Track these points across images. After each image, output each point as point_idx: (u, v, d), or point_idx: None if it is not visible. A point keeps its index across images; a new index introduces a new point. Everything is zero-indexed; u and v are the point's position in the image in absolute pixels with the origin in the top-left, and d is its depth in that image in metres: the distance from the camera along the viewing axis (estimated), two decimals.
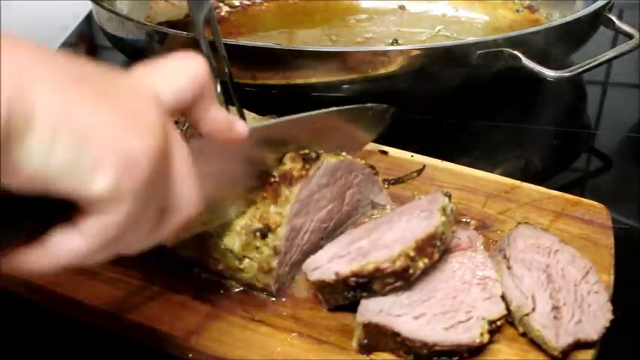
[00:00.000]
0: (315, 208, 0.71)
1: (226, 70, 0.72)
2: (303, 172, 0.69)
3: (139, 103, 0.46)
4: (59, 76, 0.41)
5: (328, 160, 0.71)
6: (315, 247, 0.71)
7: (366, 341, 0.63)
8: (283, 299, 0.69)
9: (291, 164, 0.70)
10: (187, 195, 0.49)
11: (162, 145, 0.45)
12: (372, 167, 0.77)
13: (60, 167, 0.40)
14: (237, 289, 0.70)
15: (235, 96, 0.73)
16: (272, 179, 0.69)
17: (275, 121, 0.71)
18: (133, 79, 0.48)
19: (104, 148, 0.41)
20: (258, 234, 0.67)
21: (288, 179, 0.68)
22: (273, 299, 0.69)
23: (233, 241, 0.68)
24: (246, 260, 0.68)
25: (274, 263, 0.67)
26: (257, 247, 0.67)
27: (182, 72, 0.51)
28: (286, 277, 0.70)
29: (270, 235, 0.67)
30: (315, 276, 0.66)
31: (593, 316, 0.65)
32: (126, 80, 0.47)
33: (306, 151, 0.71)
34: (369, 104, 0.82)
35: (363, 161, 0.76)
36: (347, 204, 0.75)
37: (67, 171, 0.40)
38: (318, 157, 0.70)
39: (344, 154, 0.74)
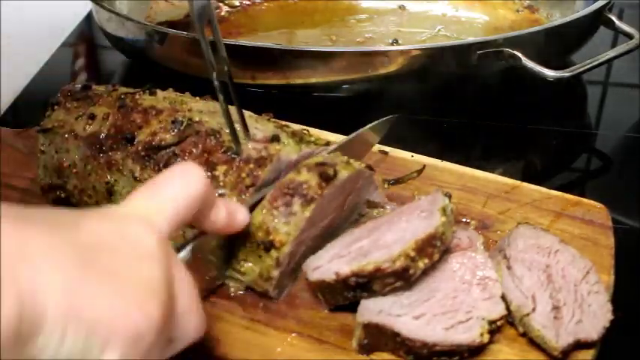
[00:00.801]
0: (320, 218, 0.70)
1: (226, 70, 0.72)
2: (319, 192, 0.67)
3: (139, 262, 0.46)
4: (64, 263, 0.42)
5: (342, 175, 0.69)
6: (315, 248, 0.71)
7: (366, 341, 0.63)
8: (283, 299, 0.69)
9: (307, 175, 0.68)
10: (192, 326, 0.51)
11: (166, 309, 0.46)
12: (370, 167, 0.76)
13: (69, 354, 0.41)
14: (237, 292, 0.70)
15: (235, 96, 0.73)
16: (284, 189, 0.67)
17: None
18: (127, 218, 0.48)
19: (110, 331, 0.43)
20: (261, 245, 0.67)
21: (303, 197, 0.67)
22: (274, 299, 0.69)
23: (236, 246, 0.68)
24: (248, 264, 0.68)
25: (275, 273, 0.67)
26: (260, 256, 0.67)
27: (180, 195, 0.52)
28: (287, 280, 0.70)
29: (273, 250, 0.67)
30: (315, 276, 0.66)
31: (593, 316, 0.65)
32: (121, 229, 0.47)
33: (322, 159, 0.70)
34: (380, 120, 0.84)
35: (363, 164, 0.74)
36: (346, 209, 0.74)
37: (76, 356, 0.41)
38: (335, 174, 0.68)
39: (357, 163, 0.72)
